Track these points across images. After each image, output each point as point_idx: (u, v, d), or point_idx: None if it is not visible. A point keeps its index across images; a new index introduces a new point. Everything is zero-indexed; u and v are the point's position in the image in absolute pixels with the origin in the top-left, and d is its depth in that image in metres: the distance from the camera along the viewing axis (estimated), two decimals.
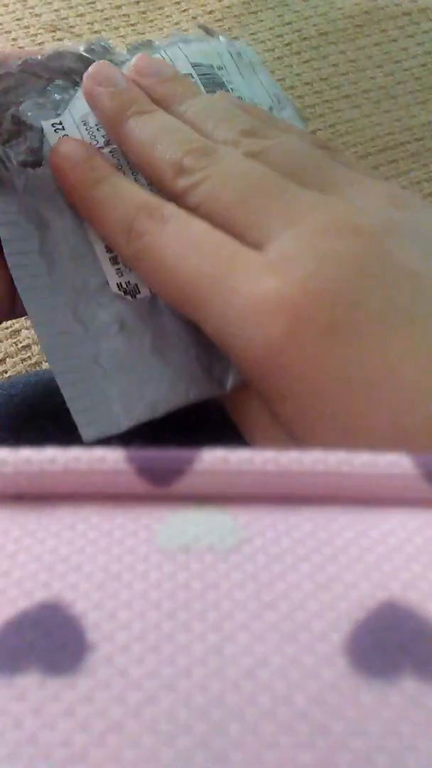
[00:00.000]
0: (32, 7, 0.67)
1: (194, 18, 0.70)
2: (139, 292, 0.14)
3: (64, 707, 0.06)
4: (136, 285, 0.14)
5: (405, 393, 0.11)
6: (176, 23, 0.68)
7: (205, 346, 0.14)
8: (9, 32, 0.65)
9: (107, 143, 0.15)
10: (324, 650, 0.06)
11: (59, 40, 0.63)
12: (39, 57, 0.15)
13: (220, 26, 0.69)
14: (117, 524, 0.08)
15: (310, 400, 0.11)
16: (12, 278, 0.15)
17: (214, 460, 0.08)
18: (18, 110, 0.15)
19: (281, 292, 0.11)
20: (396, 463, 0.08)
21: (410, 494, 0.08)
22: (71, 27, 0.67)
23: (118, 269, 0.15)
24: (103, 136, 0.15)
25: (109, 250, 0.15)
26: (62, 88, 0.15)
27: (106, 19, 0.69)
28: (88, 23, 0.67)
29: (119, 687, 0.06)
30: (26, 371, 0.46)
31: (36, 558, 0.07)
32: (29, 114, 0.15)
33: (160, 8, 0.71)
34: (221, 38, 0.18)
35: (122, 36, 0.66)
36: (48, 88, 0.15)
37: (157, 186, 0.14)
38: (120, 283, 0.14)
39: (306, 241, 0.11)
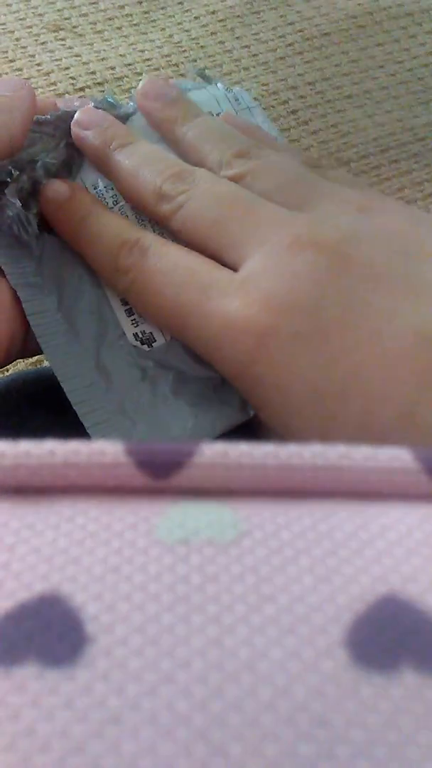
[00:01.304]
0: (35, 7, 0.67)
1: (197, 18, 0.70)
2: (155, 340, 0.15)
3: (62, 699, 0.06)
4: (152, 333, 0.15)
5: (373, 393, 0.11)
6: (179, 23, 0.68)
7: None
8: (12, 32, 0.65)
9: (115, 203, 0.15)
10: (324, 643, 0.06)
11: (62, 39, 0.63)
12: (48, 116, 0.16)
13: (222, 26, 0.69)
14: (116, 517, 0.08)
15: (286, 407, 0.11)
16: (23, 319, 0.15)
17: (213, 453, 0.08)
18: (36, 174, 0.15)
19: (246, 311, 0.12)
20: (396, 458, 0.08)
21: (410, 488, 0.08)
22: (74, 27, 0.67)
23: (133, 320, 0.15)
24: (112, 196, 0.15)
25: (124, 302, 0.15)
26: (72, 147, 0.16)
27: (109, 19, 0.70)
28: (91, 23, 0.68)
29: (118, 679, 0.06)
30: (26, 368, 0.46)
31: (35, 550, 0.07)
32: (43, 176, 0.15)
33: (162, 8, 0.71)
34: (218, 85, 0.18)
35: (125, 36, 0.66)
36: (61, 146, 0.15)
37: (147, 215, 0.15)
38: (136, 333, 0.15)
39: (271, 259, 0.12)
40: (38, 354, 0.16)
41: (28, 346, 0.16)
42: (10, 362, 0.16)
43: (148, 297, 0.13)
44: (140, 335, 0.15)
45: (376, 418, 0.11)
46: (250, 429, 0.15)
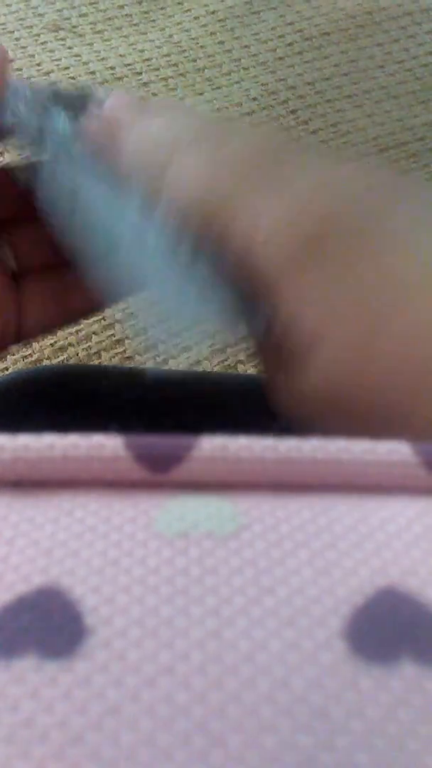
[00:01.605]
0: (35, 7, 0.67)
1: (196, 18, 0.71)
2: None
3: (61, 690, 0.06)
4: None
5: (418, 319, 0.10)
6: (178, 23, 0.68)
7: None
8: (12, 32, 0.65)
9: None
10: (323, 635, 0.06)
11: (62, 39, 0.64)
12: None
13: (222, 26, 0.69)
14: (115, 510, 0.08)
15: (324, 317, 0.11)
16: (16, 305, 0.15)
17: (213, 447, 0.08)
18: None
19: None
20: (395, 451, 0.08)
21: (409, 481, 0.08)
22: (74, 27, 0.67)
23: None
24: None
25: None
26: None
27: (109, 19, 0.70)
28: (90, 23, 0.68)
29: (117, 670, 0.06)
30: (27, 368, 0.46)
31: (34, 543, 0.07)
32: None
33: (162, 8, 0.71)
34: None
35: (125, 36, 0.66)
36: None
37: None
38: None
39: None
40: (31, 340, 0.16)
41: (22, 332, 0.16)
42: (4, 348, 0.16)
43: None
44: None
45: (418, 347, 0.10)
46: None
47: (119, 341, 0.50)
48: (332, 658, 0.06)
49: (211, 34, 0.70)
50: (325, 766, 0.06)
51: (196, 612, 0.07)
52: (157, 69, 0.66)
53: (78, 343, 0.49)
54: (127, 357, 0.48)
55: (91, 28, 0.69)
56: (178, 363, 0.47)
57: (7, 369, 0.48)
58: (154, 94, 0.62)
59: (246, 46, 0.70)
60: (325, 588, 0.07)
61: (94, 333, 0.49)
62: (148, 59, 0.66)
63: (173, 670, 0.06)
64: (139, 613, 0.07)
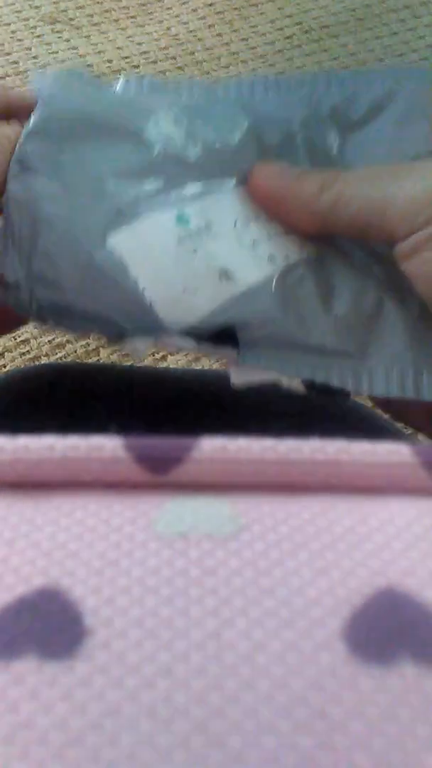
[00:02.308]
0: (32, 0, 0.67)
1: (194, 11, 0.70)
2: None
3: (61, 691, 0.06)
4: None
5: None
6: (176, 16, 0.68)
7: None
8: (8, 24, 0.64)
9: None
10: (322, 636, 0.06)
11: (58, 32, 0.63)
12: None
13: (220, 19, 0.68)
14: (115, 511, 0.08)
15: None
16: None
17: (212, 448, 0.08)
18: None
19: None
20: (395, 452, 0.08)
21: (409, 483, 0.08)
22: (71, 19, 0.67)
23: None
24: None
25: None
26: None
27: (106, 11, 0.69)
28: (87, 15, 0.67)
29: (117, 671, 0.06)
30: (25, 365, 0.46)
31: (34, 545, 0.07)
32: None
33: (160, 1, 0.70)
34: None
35: (122, 28, 0.66)
36: None
37: None
38: None
39: None
40: (15, 329, 0.16)
41: (3, 319, 0.16)
42: None
43: None
44: None
45: None
46: None
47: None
48: (331, 659, 0.06)
49: (210, 26, 0.69)
50: (324, 766, 0.06)
51: (195, 613, 0.07)
52: (155, 62, 0.66)
53: (76, 340, 0.49)
54: (126, 354, 0.48)
55: (89, 21, 0.68)
56: (177, 361, 0.47)
57: (5, 366, 0.47)
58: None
59: (244, 39, 0.69)
60: (324, 589, 0.07)
61: None
62: (145, 52, 0.66)
63: (173, 671, 0.06)
64: (138, 614, 0.07)
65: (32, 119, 0.14)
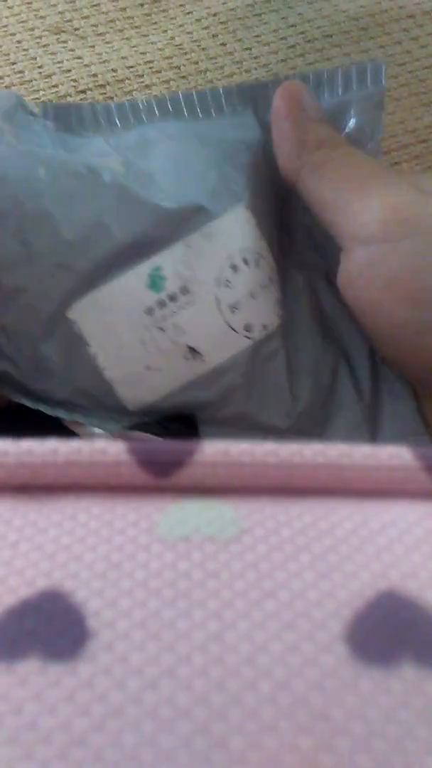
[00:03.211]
0: (37, 10, 0.68)
1: (198, 21, 0.71)
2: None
3: (64, 693, 0.06)
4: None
5: None
6: (180, 25, 0.69)
7: None
8: (14, 35, 0.65)
9: None
10: (324, 638, 0.06)
11: (63, 42, 0.64)
12: None
13: (224, 28, 0.69)
14: (118, 514, 0.08)
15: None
16: None
17: (214, 452, 0.08)
18: None
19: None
20: (396, 456, 0.08)
21: (410, 486, 0.08)
22: (76, 29, 0.68)
23: None
24: None
25: None
26: None
27: (111, 21, 0.70)
28: (92, 25, 0.68)
29: (119, 673, 0.06)
30: None
31: (37, 547, 0.07)
32: None
33: (164, 11, 0.71)
34: None
35: (127, 38, 0.66)
36: None
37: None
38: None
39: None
40: None
41: None
42: None
43: None
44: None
45: None
46: None
47: None
48: (333, 661, 0.06)
49: (213, 36, 0.70)
50: (325, 767, 0.06)
51: (197, 615, 0.07)
52: (159, 71, 0.67)
53: None
54: None
55: (93, 31, 0.69)
56: None
57: None
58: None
59: (248, 48, 0.70)
60: (326, 591, 0.07)
61: None
62: (150, 61, 0.66)
63: (175, 673, 0.06)
64: (141, 616, 0.07)
65: None
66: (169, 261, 0.13)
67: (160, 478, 0.08)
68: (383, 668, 0.06)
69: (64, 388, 0.13)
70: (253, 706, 0.06)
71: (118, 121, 0.15)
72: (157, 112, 0.15)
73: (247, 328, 0.13)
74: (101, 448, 0.08)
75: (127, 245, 0.13)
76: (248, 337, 0.13)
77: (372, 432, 0.14)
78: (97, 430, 0.13)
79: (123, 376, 0.13)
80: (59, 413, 0.13)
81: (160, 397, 0.13)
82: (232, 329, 0.13)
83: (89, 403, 0.13)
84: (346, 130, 0.15)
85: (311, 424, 0.14)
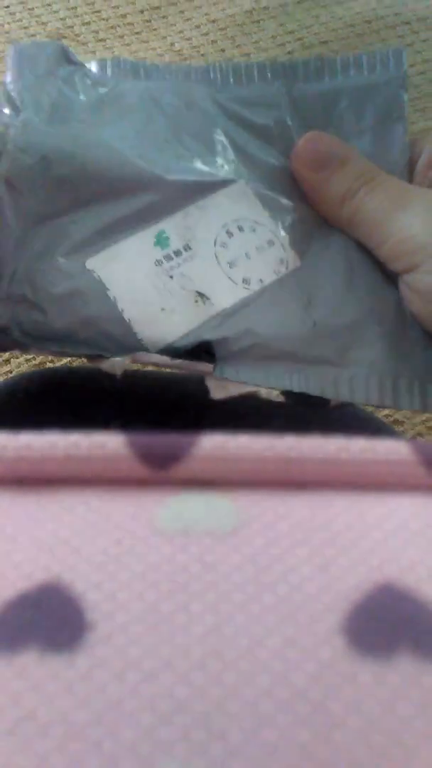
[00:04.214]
0: (38, 16, 0.68)
1: (198, 27, 0.71)
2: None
3: (63, 685, 0.06)
4: None
5: None
6: (180, 32, 0.69)
7: None
8: (16, 40, 0.66)
9: None
10: (321, 631, 0.06)
11: None
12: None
13: (223, 34, 0.70)
14: (116, 507, 0.08)
15: None
16: None
17: (213, 445, 0.08)
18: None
19: None
20: (394, 450, 0.08)
21: (407, 480, 0.08)
22: (77, 35, 0.68)
23: None
24: None
25: None
26: None
27: (111, 27, 0.70)
28: (93, 31, 0.68)
29: (118, 665, 0.06)
30: (30, 370, 0.46)
31: (36, 540, 0.07)
32: None
33: (164, 17, 0.72)
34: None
35: (127, 44, 0.67)
36: None
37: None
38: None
39: None
40: None
41: None
42: None
43: None
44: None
45: None
46: None
47: None
48: (331, 654, 0.06)
49: (212, 42, 0.71)
50: (323, 760, 0.06)
51: (196, 608, 0.07)
52: None
53: None
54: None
55: (94, 36, 0.70)
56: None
57: (11, 372, 0.48)
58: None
59: (246, 54, 0.71)
60: (323, 584, 0.07)
61: None
62: None
63: (173, 666, 0.06)
64: (139, 609, 0.07)
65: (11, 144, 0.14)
66: (171, 225, 0.14)
67: (159, 471, 0.08)
68: (381, 661, 0.06)
69: (89, 329, 0.14)
70: (251, 698, 0.06)
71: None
72: (193, 76, 0.16)
73: (245, 281, 0.15)
74: (100, 441, 0.08)
75: (136, 211, 0.14)
76: (246, 288, 0.15)
77: (394, 371, 0.15)
78: (118, 358, 0.14)
79: (141, 317, 0.14)
80: (82, 350, 0.15)
81: (177, 337, 0.14)
82: (232, 281, 0.15)
83: (112, 346, 0.15)
84: (374, 111, 0.16)
85: (333, 354, 0.15)
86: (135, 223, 0.14)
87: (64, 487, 0.08)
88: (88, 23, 0.65)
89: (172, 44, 0.65)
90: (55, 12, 0.65)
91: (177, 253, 0.14)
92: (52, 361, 0.48)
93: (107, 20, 0.66)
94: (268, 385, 0.14)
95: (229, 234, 0.15)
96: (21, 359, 0.48)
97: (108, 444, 0.08)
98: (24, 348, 0.15)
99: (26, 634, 0.06)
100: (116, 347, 0.14)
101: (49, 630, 0.06)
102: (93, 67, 0.16)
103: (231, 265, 0.14)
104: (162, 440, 0.08)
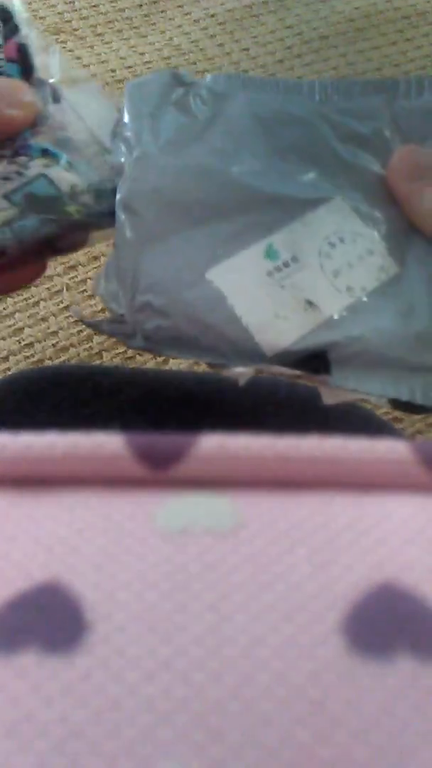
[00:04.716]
0: (36, 10, 0.68)
1: (196, 21, 0.71)
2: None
3: (61, 685, 0.06)
4: None
5: None
6: (179, 26, 0.69)
7: None
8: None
9: None
10: (320, 630, 0.06)
11: (63, 42, 0.64)
12: None
13: (221, 29, 0.69)
14: (116, 507, 0.08)
15: None
16: None
17: (212, 445, 0.08)
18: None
19: None
20: (393, 450, 0.08)
21: (406, 479, 0.08)
22: (75, 30, 0.68)
23: None
24: None
25: None
26: None
27: (109, 22, 0.70)
28: (91, 26, 0.68)
29: (117, 665, 0.06)
30: (29, 368, 0.46)
31: (35, 540, 0.07)
32: None
33: (162, 11, 0.72)
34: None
35: (125, 39, 0.66)
36: None
37: None
38: None
39: None
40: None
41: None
42: None
43: None
44: None
45: None
46: None
47: (120, 341, 0.50)
48: (330, 653, 0.06)
49: (211, 36, 0.70)
50: (322, 759, 0.06)
51: (195, 608, 0.07)
52: (158, 71, 0.66)
53: (80, 343, 0.49)
54: (128, 357, 0.49)
55: (92, 31, 0.69)
56: (179, 363, 0.47)
57: (9, 369, 0.48)
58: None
59: (245, 49, 0.70)
60: (322, 584, 0.07)
61: (95, 334, 0.49)
62: (148, 62, 0.66)
63: (172, 665, 0.06)
64: (138, 609, 0.07)
65: (122, 186, 0.16)
66: (279, 239, 0.16)
67: (158, 471, 0.08)
68: (380, 661, 0.06)
69: (210, 334, 0.16)
70: (250, 698, 0.06)
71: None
72: (295, 90, 0.18)
73: (349, 289, 0.16)
74: (99, 441, 0.08)
75: (245, 227, 0.16)
76: (351, 296, 0.16)
77: None
78: (242, 369, 0.16)
79: (258, 323, 0.16)
80: (205, 357, 0.16)
81: (291, 342, 0.16)
82: (337, 289, 0.16)
83: (231, 351, 0.16)
84: None
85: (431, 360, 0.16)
86: (246, 237, 0.16)
87: (64, 487, 0.08)
88: (86, 18, 0.65)
89: (171, 39, 0.65)
90: (53, 6, 0.65)
91: (285, 264, 0.16)
92: (50, 359, 0.48)
93: (105, 14, 0.65)
94: (375, 393, 0.15)
95: (332, 245, 0.16)
96: (20, 356, 0.48)
97: (107, 444, 0.08)
98: (149, 351, 0.16)
99: (25, 635, 0.06)
100: (235, 352, 0.16)
101: (48, 630, 0.06)
102: (206, 81, 0.18)
103: (335, 274, 0.16)
104: (161, 440, 0.08)
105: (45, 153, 0.16)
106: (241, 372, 0.15)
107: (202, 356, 0.16)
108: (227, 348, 0.16)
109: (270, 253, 0.16)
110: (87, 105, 0.17)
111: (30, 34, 0.16)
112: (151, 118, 0.17)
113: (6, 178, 0.16)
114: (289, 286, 0.16)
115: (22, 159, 0.16)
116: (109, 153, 0.16)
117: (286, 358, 0.15)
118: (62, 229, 0.16)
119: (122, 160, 0.16)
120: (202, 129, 0.17)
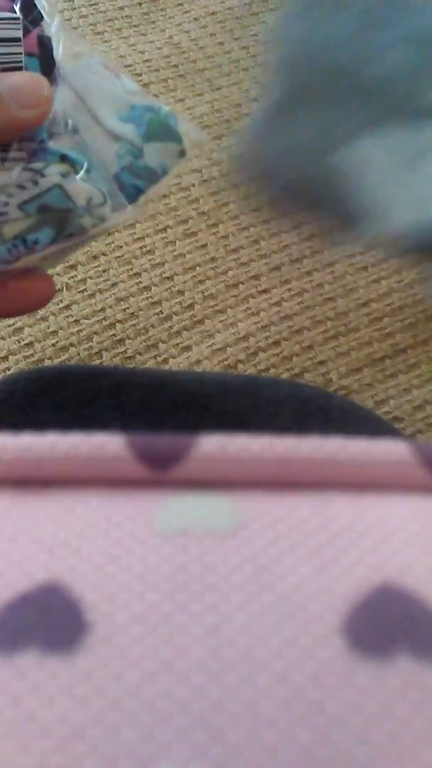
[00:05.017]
0: None
1: (196, 19, 0.70)
2: None
3: (62, 685, 0.06)
4: None
5: None
6: (178, 24, 0.68)
7: None
8: None
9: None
10: (320, 631, 0.06)
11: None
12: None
13: (221, 27, 0.69)
14: (116, 508, 0.08)
15: None
16: None
17: (212, 446, 0.08)
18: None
19: None
20: (393, 451, 0.08)
21: (406, 480, 0.08)
22: (74, 28, 0.67)
23: None
24: None
25: None
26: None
27: (109, 20, 0.70)
28: (90, 24, 0.68)
29: (117, 666, 0.06)
30: (29, 368, 0.46)
31: (36, 541, 0.07)
32: None
33: (162, 10, 0.71)
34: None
35: (125, 37, 0.66)
36: None
37: None
38: None
39: None
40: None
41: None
42: None
43: None
44: None
45: None
46: None
47: (120, 341, 0.50)
48: (330, 654, 0.06)
49: (211, 35, 0.70)
50: (322, 760, 0.06)
51: (195, 608, 0.07)
52: (158, 70, 0.66)
53: (79, 343, 0.49)
54: (128, 357, 0.49)
55: (92, 29, 0.69)
56: (179, 363, 0.47)
57: (8, 369, 0.48)
58: (155, 95, 0.62)
59: (245, 47, 0.70)
60: (322, 585, 0.07)
61: (95, 333, 0.49)
62: (148, 60, 0.66)
63: (173, 666, 0.06)
64: (139, 610, 0.07)
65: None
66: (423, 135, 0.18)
67: (158, 472, 0.08)
68: (380, 661, 0.06)
69: (344, 197, 0.18)
70: (250, 698, 0.06)
71: None
72: None
73: None
74: (100, 442, 0.08)
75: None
76: None
77: None
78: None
79: (394, 195, 0.18)
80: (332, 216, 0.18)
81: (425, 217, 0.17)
82: None
83: (361, 216, 0.18)
84: None
85: None
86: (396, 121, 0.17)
87: (64, 487, 0.08)
88: (86, 16, 0.65)
89: (171, 37, 0.65)
90: (52, 4, 0.64)
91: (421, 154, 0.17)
92: (50, 359, 0.48)
93: (105, 13, 0.65)
94: None
95: None
96: (19, 356, 0.48)
97: (108, 445, 0.08)
98: (276, 206, 0.18)
99: (26, 636, 0.06)
100: (364, 221, 0.17)
101: (48, 631, 0.06)
102: None
103: None
104: (161, 441, 0.08)
105: (63, 159, 0.14)
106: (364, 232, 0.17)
107: (327, 214, 0.18)
108: (358, 211, 0.17)
109: (403, 143, 0.17)
110: (88, 82, 0.15)
111: (53, 24, 0.15)
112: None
113: (21, 187, 0.14)
114: (423, 172, 0.17)
115: (38, 165, 0.14)
116: (113, 138, 0.15)
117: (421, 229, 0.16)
118: (75, 242, 0.15)
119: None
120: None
